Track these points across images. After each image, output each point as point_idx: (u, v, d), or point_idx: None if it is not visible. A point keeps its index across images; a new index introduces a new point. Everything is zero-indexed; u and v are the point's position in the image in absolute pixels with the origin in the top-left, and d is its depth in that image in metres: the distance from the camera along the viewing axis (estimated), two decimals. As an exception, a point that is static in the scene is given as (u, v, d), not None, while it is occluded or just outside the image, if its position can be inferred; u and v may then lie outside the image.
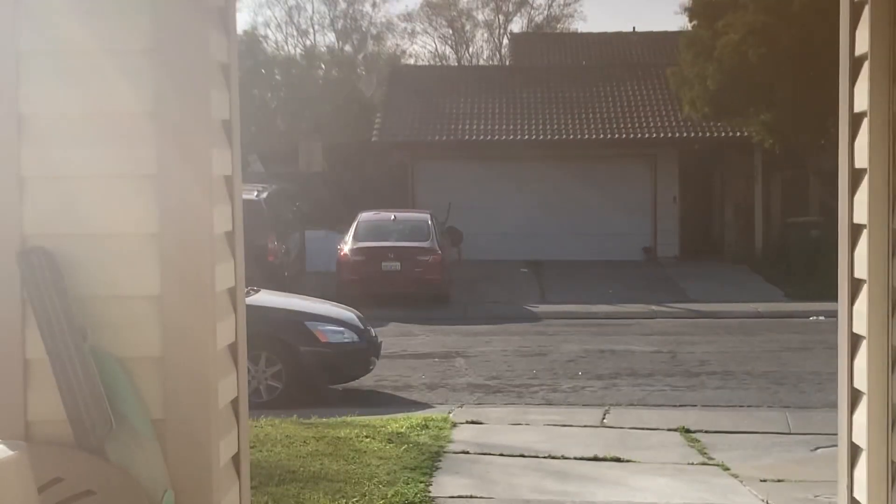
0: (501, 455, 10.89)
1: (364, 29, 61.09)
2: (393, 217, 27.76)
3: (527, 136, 35.98)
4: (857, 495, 4.92)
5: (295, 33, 61.69)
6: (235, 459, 4.75)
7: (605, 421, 12.85)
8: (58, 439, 4.23)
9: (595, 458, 10.83)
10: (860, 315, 4.84)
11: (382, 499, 8.88)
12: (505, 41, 63.09)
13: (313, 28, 62.30)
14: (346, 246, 26.77)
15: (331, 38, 61.61)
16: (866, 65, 4.75)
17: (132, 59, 4.33)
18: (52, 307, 4.18)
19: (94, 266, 4.32)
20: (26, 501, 3.74)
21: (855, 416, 4.94)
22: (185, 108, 4.33)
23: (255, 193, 25.54)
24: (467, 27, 66.39)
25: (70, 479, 4.10)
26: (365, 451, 10.52)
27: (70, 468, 4.13)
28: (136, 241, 4.33)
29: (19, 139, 4.32)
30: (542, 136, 36.00)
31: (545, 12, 66.29)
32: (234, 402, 4.75)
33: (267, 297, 15.77)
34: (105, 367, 4.25)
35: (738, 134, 33.03)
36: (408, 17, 78.44)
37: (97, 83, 4.33)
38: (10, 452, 3.79)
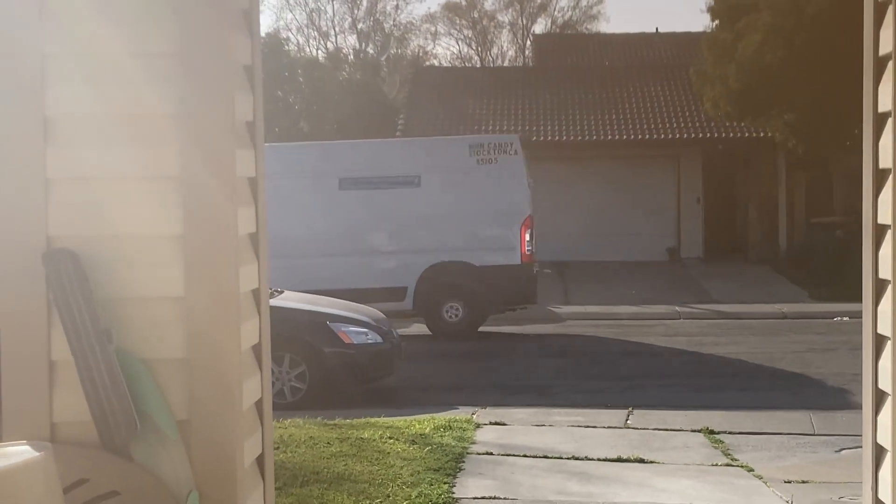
0: (525, 456, 10.88)
1: (387, 31, 61.15)
2: (416, 218, 27.71)
3: (550, 138, 35.94)
4: (881, 496, 4.90)
5: (316, 35, 61.83)
6: (260, 460, 4.76)
7: (628, 422, 12.82)
8: (83, 440, 4.25)
9: (619, 460, 10.81)
10: (885, 316, 4.82)
11: (406, 500, 8.88)
12: (528, 42, 63.07)
13: (334, 30, 62.39)
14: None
15: (352, 40, 61.73)
16: (890, 65, 4.73)
17: (157, 62, 4.35)
18: (78, 309, 4.20)
19: (118, 268, 4.34)
20: (52, 502, 3.75)
21: (880, 417, 4.92)
22: (209, 111, 4.35)
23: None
24: (490, 29, 66.41)
25: (95, 479, 4.12)
26: (388, 453, 10.52)
27: (95, 469, 4.14)
28: (161, 242, 4.35)
29: (45, 141, 4.34)
30: (565, 138, 35.96)
31: (568, 14, 66.27)
32: (259, 404, 4.76)
33: (291, 298, 15.80)
34: (130, 368, 4.26)
35: (762, 134, 32.93)
36: (430, 18, 78.45)
37: (122, 85, 4.35)
38: (36, 453, 3.80)
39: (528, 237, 22.16)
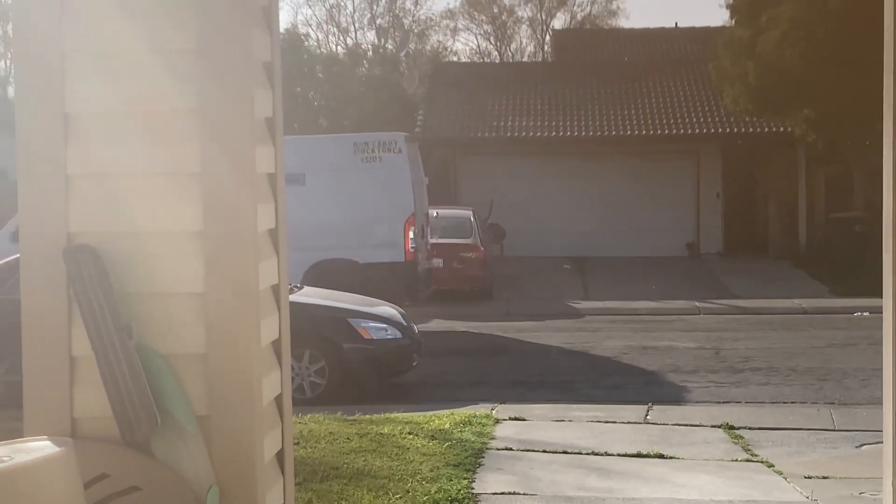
0: (544, 452, 10.88)
1: (406, 27, 61.16)
2: (435, 214, 27.75)
3: (569, 133, 35.92)
4: (902, 492, 4.89)
5: (336, 31, 61.89)
6: (279, 456, 4.77)
7: (648, 417, 12.81)
8: (103, 436, 4.26)
9: (638, 455, 10.81)
10: (905, 311, 4.81)
11: (426, 495, 8.89)
12: (547, 38, 63.02)
13: (354, 26, 62.46)
14: (389, 243, 26.76)
15: (371, 36, 61.72)
16: (911, 59, 4.72)
17: (176, 58, 4.35)
18: (98, 305, 4.21)
19: (138, 264, 4.35)
20: (72, 497, 3.77)
21: (900, 413, 4.91)
22: (228, 107, 4.35)
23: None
24: (509, 24, 66.37)
25: (116, 475, 4.13)
26: (408, 448, 10.54)
27: (116, 464, 4.15)
28: (181, 238, 4.35)
29: (65, 138, 4.35)
30: (584, 133, 35.93)
31: (587, 9, 66.18)
32: (278, 399, 4.77)
33: (310, 294, 15.83)
34: (150, 363, 4.27)
35: (781, 129, 32.84)
36: (449, 14, 78.45)
37: (142, 82, 4.36)
38: (57, 448, 3.82)
39: (411, 234, 22.34)
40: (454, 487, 9.17)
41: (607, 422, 12.55)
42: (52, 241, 4.33)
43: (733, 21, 31.03)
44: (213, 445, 4.30)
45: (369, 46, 58.08)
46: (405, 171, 22.60)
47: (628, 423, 12.54)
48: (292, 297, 12.93)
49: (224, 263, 4.33)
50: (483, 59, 63.95)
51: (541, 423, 12.50)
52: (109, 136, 4.36)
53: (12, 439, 4.05)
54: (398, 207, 22.35)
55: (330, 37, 61.79)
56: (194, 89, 4.34)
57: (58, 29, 4.34)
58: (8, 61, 54.75)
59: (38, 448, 3.82)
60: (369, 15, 61.12)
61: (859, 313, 23.26)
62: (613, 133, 35.79)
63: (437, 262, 25.91)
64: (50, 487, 3.67)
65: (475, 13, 65.84)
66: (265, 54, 4.68)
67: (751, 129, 34.82)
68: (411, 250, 22.34)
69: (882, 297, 5.09)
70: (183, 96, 4.34)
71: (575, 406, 13.80)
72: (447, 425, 11.74)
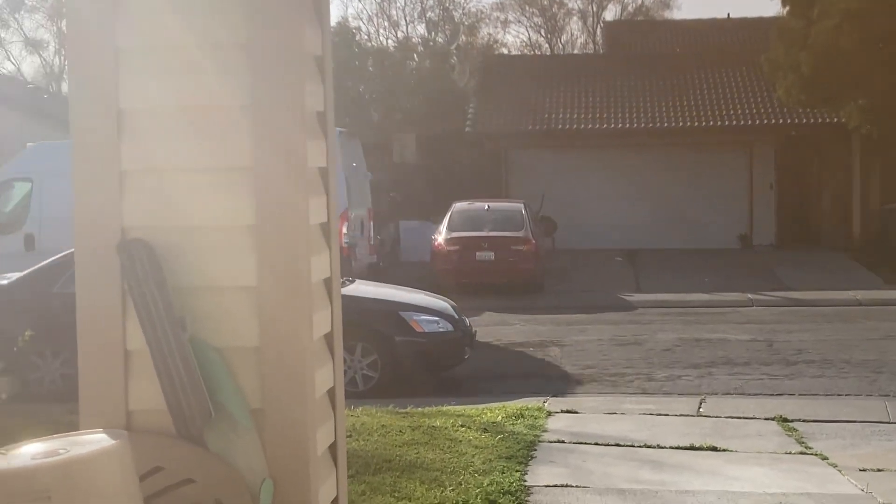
0: (596, 444, 10.86)
1: (456, 19, 61.12)
2: (487, 207, 27.73)
3: (620, 125, 35.79)
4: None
5: (386, 24, 61.94)
6: (332, 448, 4.79)
7: (700, 410, 12.75)
8: (158, 429, 4.30)
9: (691, 448, 10.76)
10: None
11: (478, 488, 8.89)
12: (598, 30, 62.82)
13: (405, 19, 62.53)
14: (441, 236, 26.81)
15: (421, 29, 61.75)
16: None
17: (228, 54, 4.38)
18: (152, 299, 4.25)
19: (192, 257, 4.38)
20: (128, 490, 3.80)
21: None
22: (280, 101, 4.38)
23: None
24: (560, 16, 66.21)
25: (170, 467, 4.17)
26: (460, 441, 10.54)
27: (170, 457, 4.19)
28: (234, 232, 4.38)
29: (119, 134, 4.39)
30: (636, 125, 35.78)
31: (639, 0, 65.91)
32: (331, 392, 4.79)
33: (362, 288, 15.87)
34: (204, 357, 4.30)
35: (835, 120, 32.57)
36: (500, 6, 78.33)
37: (193, 77, 4.39)
38: (113, 441, 3.86)
39: (345, 230, 22.30)
40: (507, 480, 9.17)
41: (660, 414, 12.50)
42: (106, 236, 4.37)
43: (786, 11, 30.78)
44: (267, 438, 4.33)
45: (420, 40, 58.12)
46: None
47: (681, 415, 12.48)
48: (344, 291, 12.97)
49: (276, 257, 4.36)
50: (534, 51, 63.85)
51: (593, 415, 12.47)
52: (163, 132, 4.40)
53: (68, 432, 4.10)
54: None
55: (381, 30, 61.88)
56: (246, 84, 4.36)
57: (111, 25, 4.38)
58: (62, 57, 55.23)
59: (94, 441, 3.86)
60: (420, 8, 61.14)
61: (915, 305, 23.05)
62: (665, 125, 35.62)
63: (488, 255, 25.92)
64: (106, 480, 3.71)
65: (526, 5, 65.74)
66: (316, 48, 4.70)
67: (804, 120, 34.54)
68: (345, 245, 22.35)
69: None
70: (234, 92, 4.37)
71: (627, 398, 13.76)
72: (499, 418, 11.74)
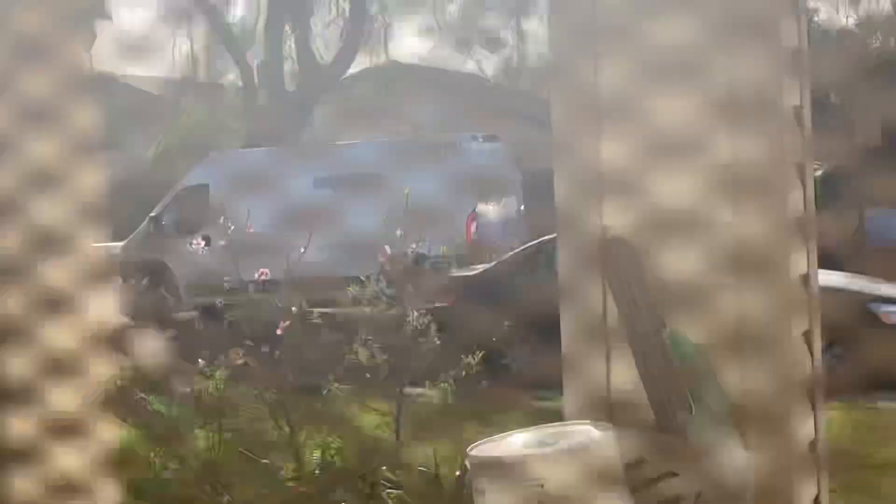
0: None
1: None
2: None
3: None
4: None
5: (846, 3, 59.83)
6: (812, 446, 4.73)
7: None
8: (638, 422, 4.38)
9: None
10: None
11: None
12: None
13: (867, -5, 60.13)
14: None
15: (885, 4, 59.22)
16: None
17: (700, 50, 4.40)
18: (632, 295, 4.34)
19: (670, 255, 4.43)
20: (615, 480, 3.93)
21: None
22: (754, 96, 4.36)
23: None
24: None
25: (653, 460, 4.25)
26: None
27: (652, 450, 4.27)
28: (711, 229, 4.40)
29: (598, 134, 4.51)
30: None
31: None
32: (809, 388, 4.73)
33: (824, 278, 15.46)
34: (683, 352, 4.35)
35: None
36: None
37: (666, 69, 4.43)
38: (601, 433, 4.00)
39: None
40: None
41: None
42: (588, 234, 4.50)
43: None
44: (748, 434, 4.33)
45: (883, 17, 55.71)
46: None
47: None
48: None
49: (754, 254, 4.35)
50: None
51: None
52: (641, 129, 4.46)
53: (554, 423, 4.29)
54: None
55: (840, 9, 59.83)
56: (721, 78, 4.37)
57: (591, 9, 4.49)
58: (515, 53, 56.56)
59: (582, 432, 4.02)
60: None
61: None
62: None
63: None
64: (595, 470, 3.85)
65: None
66: (791, 40, 4.65)
67: None
68: None
69: None
70: (708, 85, 4.38)
71: None
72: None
